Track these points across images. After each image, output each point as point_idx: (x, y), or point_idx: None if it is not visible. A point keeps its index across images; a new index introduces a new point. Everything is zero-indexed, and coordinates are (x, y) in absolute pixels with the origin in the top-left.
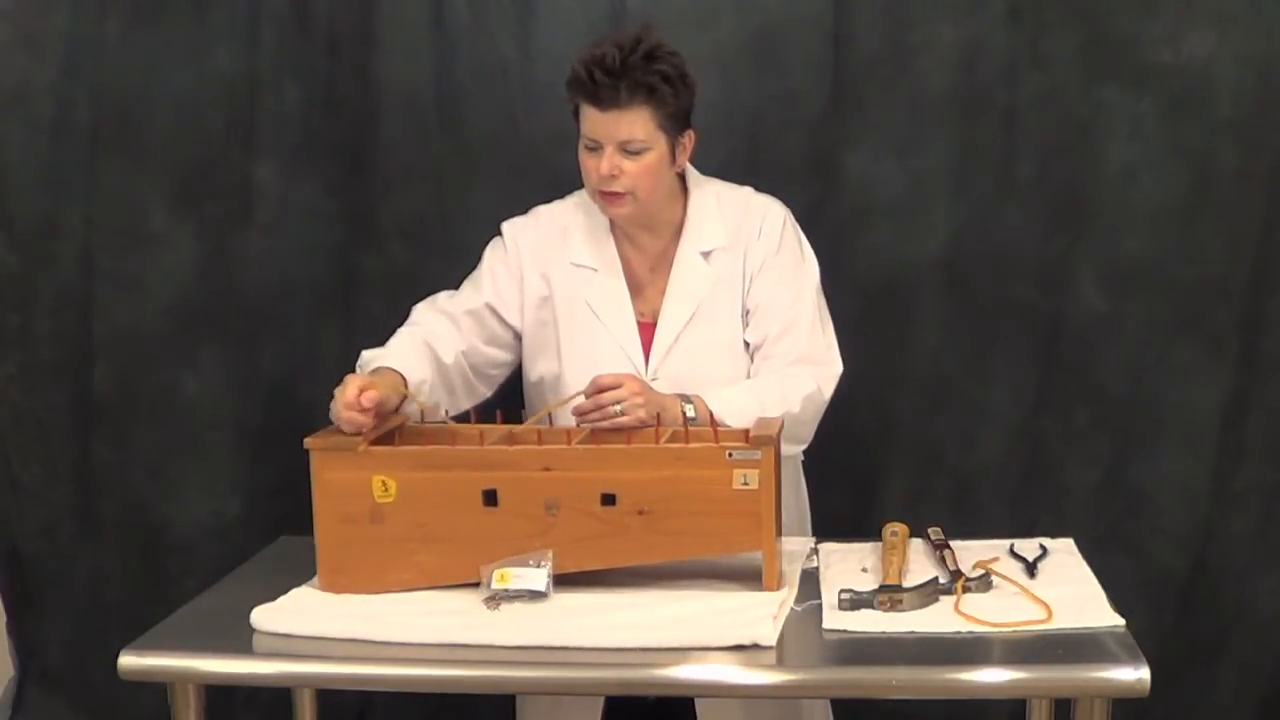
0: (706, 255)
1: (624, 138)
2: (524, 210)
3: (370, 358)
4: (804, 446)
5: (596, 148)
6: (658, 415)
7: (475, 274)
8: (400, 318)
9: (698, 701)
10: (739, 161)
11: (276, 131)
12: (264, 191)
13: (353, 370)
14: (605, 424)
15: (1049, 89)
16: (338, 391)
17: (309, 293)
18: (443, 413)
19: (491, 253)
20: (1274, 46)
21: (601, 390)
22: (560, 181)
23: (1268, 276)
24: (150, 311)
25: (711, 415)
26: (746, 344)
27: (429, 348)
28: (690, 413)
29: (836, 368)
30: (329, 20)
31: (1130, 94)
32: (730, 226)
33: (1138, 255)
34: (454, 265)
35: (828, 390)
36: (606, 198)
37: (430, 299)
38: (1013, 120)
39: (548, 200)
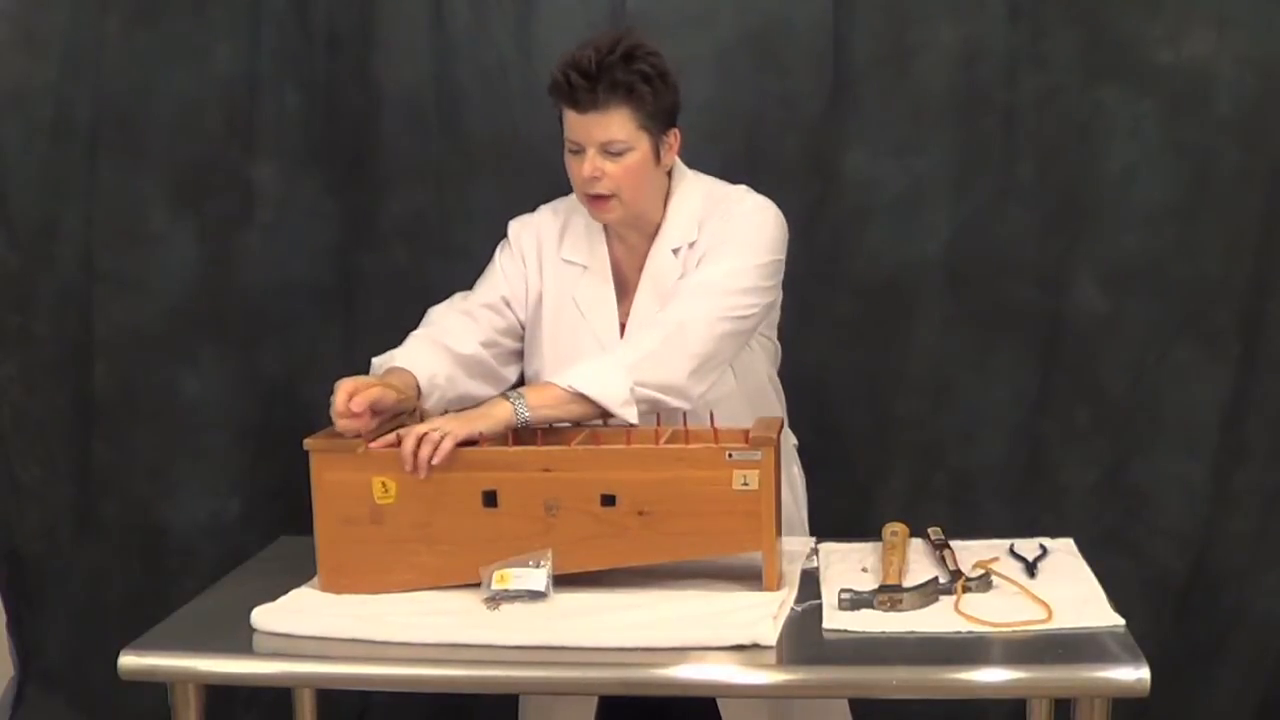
0: (676, 252)
1: (604, 139)
2: (524, 209)
3: (380, 362)
4: (687, 404)
5: (579, 151)
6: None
7: (488, 271)
8: (400, 317)
9: (721, 702)
10: (738, 161)
11: (276, 131)
12: (264, 191)
13: (350, 372)
14: (439, 453)
15: (1049, 89)
16: (332, 399)
17: (309, 293)
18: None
19: (500, 251)
20: (1274, 46)
21: (416, 438)
22: (560, 181)
23: (1268, 276)
24: (150, 311)
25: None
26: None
27: (441, 344)
28: (525, 413)
29: (747, 298)
30: (329, 20)
31: (1130, 94)
32: (706, 221)
33: (1138, 255)
34: (454, 265)
35: (720, 322)
36: (592, 202)
37: (447, 301)
38: (1013, 120)
39: (547, 200)
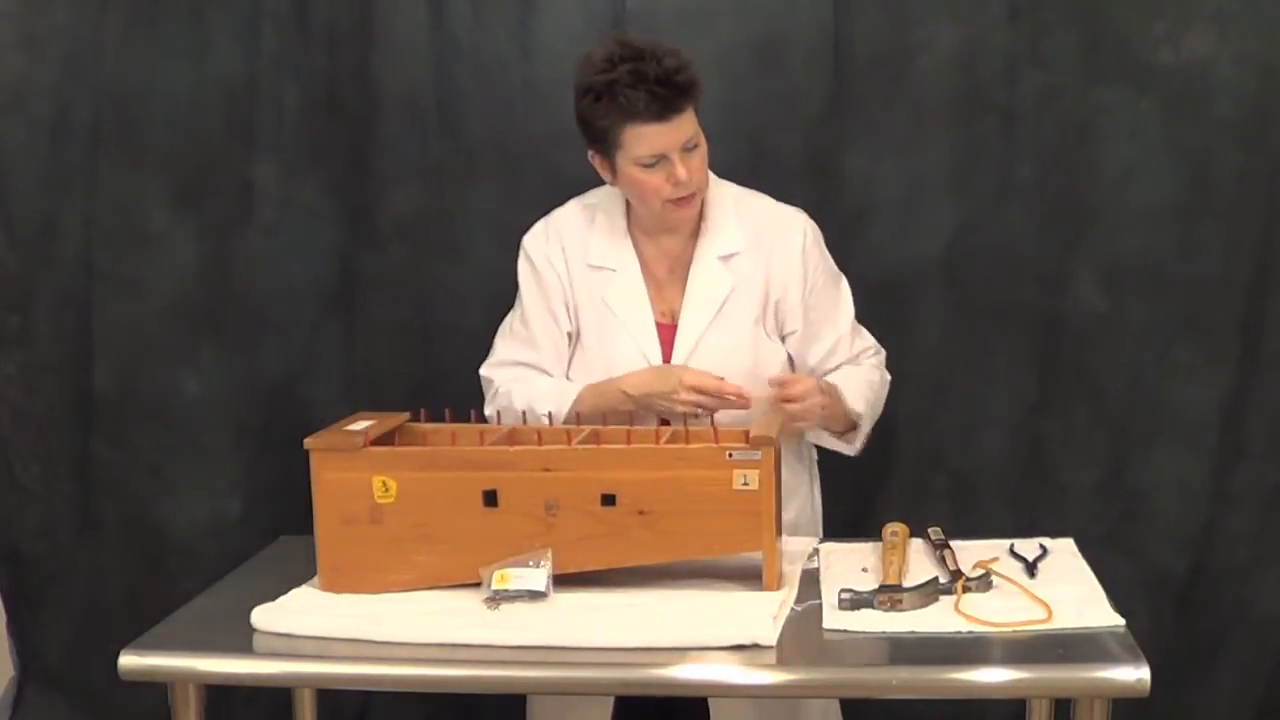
0: (726, 259)
1: (685, 139)
2: (523, 209)
3: (523, 407)
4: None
5: (657, 162)
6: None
7: (523, 310)
8: (400, 318)
9: (711, 701)
10: (739, 161)
11: (276, 131)
12: (264, 191)
13: (350, 372)
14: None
15: (1049, 89)
16: (684, 376)
17: (309, 293)
18: None
19: (525, 279)
20: (1274, 46)
21: (791, 395)
22: (560, 181)
23: (1268, 276)
24: (150, 311)
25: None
26: (791, 358)
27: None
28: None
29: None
30: (329, 20)
31: (1130, 94)
32: (749, 232)
33: (1138, 255)
34: (454, 265)
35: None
36: (681, 204)
37: (496, 362)
38: (1013, 120)
39: (545, 199)
